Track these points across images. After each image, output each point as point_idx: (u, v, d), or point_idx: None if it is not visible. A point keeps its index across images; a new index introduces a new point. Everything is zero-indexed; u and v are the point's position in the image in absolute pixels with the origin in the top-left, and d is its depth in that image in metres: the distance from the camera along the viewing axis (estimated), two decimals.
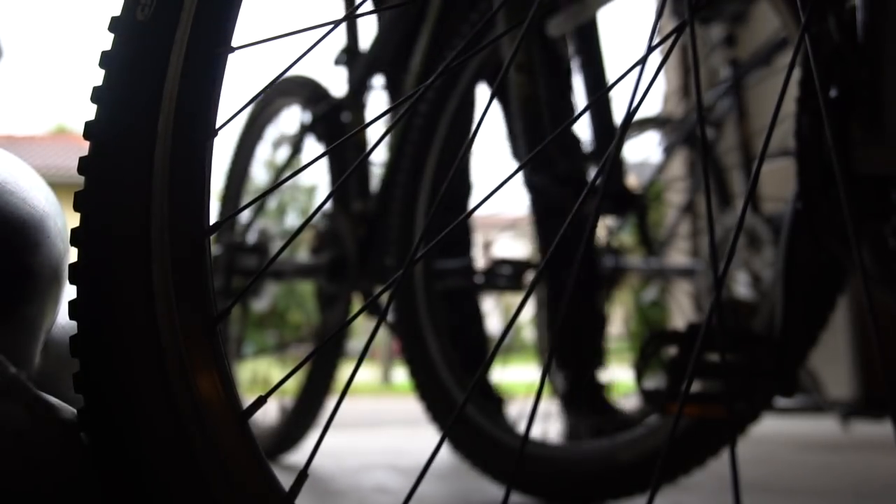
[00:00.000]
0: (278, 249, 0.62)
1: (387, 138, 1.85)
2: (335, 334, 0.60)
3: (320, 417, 2.11)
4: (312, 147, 2.19)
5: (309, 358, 0.57)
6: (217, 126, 0.59)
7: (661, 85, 3.90)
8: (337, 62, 2.04)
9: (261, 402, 0.55)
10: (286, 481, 0.55)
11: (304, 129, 2.15)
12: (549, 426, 1.73)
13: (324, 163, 2.18)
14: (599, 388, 1.72)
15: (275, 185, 0.67)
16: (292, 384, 2.15)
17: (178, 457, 0.53)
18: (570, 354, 1.78)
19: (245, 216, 2.30)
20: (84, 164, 0.57)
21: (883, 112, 0.92)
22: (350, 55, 2.02)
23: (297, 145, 2.18)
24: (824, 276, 1.13)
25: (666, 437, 1.29)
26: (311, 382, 2.09)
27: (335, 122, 2.06)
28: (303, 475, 0.54)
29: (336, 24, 0.59)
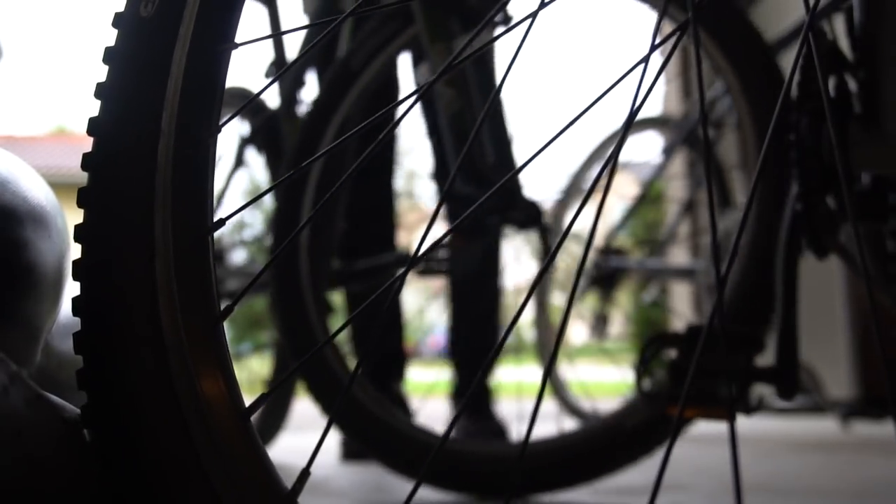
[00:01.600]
0: (279, 249, 0.62)
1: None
2: (335, 334, 0.60)
3: (288, 417, 2.16)
4: (254, 158, 2.29)
5: (310, 357, 0.57)
6: (220, 123, 0.59)
7: (661, 85, 3.91)
8: (267, 75, 2.09)
9: (263, 399, 0.55)
10: (288, 479, 0.55)
11: (245, 141, 2.22)
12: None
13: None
14: (487, 395, 1.93)
15: (274, 185, 0.67)
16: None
17: (180, 454, 0.53)
18: (467, 362, 1.99)
19: None
20: (87, 161, 0.57)
21: (881, 112, 0.93)
22: (279, 68, 2.06)
23: (239, 156, 2.26)
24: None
25: (669, 439, 1.29)
26: (276, 383, 2.12)
27: (274, 133, 2.11)
28: (305, 473, 0.54)
29: (337, 22, 0.59)
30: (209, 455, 0.53)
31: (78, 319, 0.56)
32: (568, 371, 2.98)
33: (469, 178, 1.45)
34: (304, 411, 4.40)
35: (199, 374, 0.54)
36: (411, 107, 0.59)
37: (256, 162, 2.55)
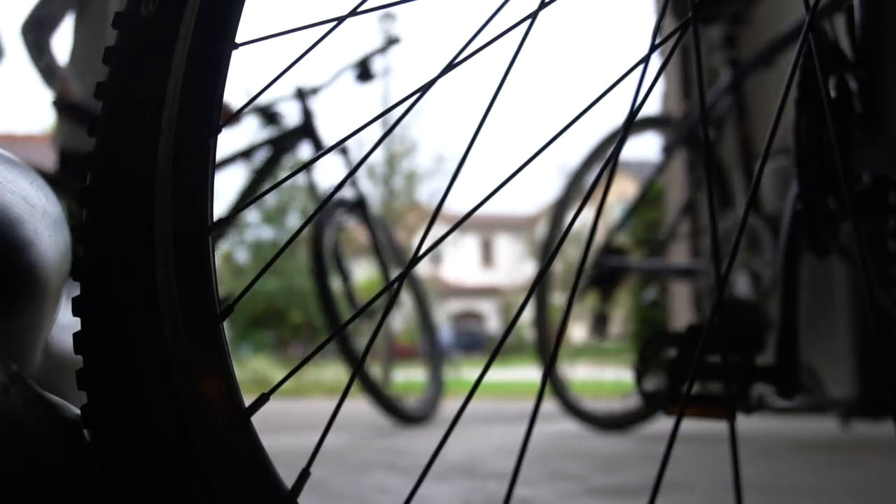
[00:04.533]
0: (279, 250, 0.63)
1: None
2: (337, 332, 0.61)
3: None
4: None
5: (310, 357, 0.57)
6: (220, 123, 0.59)
7: (660, 85, 3.91)
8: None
9: (263, 399, 0.55)
10: (288, 479, 0.55)
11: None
12: None
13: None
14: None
15: (274, 185, 0.67)
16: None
17: (180, 454, 0.53)
18: None
19: None
20: (88, 161, 0.57)
21: (881, 112, 0.92)
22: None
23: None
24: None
25: (670, 437, 1.29)
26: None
27: None
28: (305, 474, 0.54)
29: (338, 21, 0.59)
30: (209, 455, 0.53)
31: (78, 319, 0.56)
32: (568, 371, 2.98)
33: None
34: (304, 411, 4.42)
35: (199, 374, 0.54)
36: (414, 104, 0.59)
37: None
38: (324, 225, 2.94)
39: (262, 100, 3.07)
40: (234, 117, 2.99)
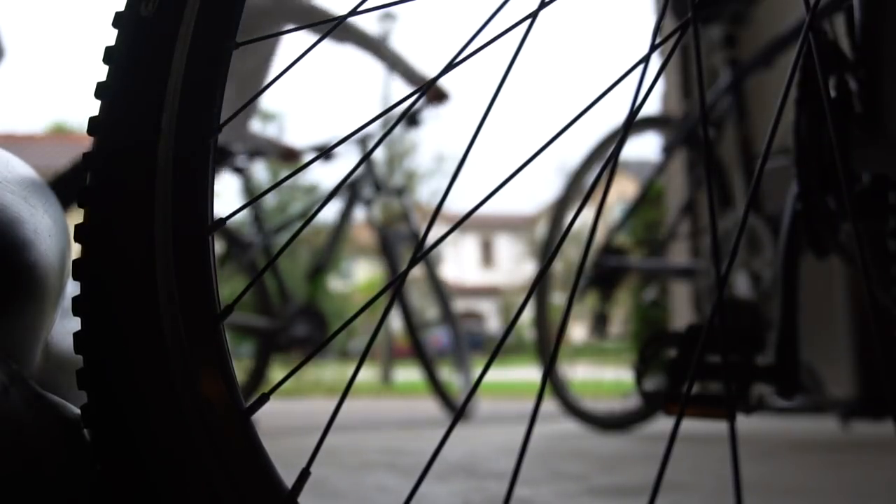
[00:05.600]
0: (279, 248, 0.63)
1: None
2: (338, 331, 0.61)
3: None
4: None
5: (310, 357, 0.57)
6: (220, 122, 0.59)
7: (660, 85, 3.91)
8: None
9: (263, 399, 0.55)
10: (288, 479, 0.55)
11: None
12: None
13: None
14: None
15: (274, 185, 0.67)
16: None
17: (180, 454, 0.53)
18: None
19: None
20: (88, 161, 0.57)
21: (881, 112, 0.92)
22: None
23: None
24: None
25: (669, 437, 1.29)
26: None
27: None
28: (305, 473, 0.54)
29: (338, 21, 0.59)
30: (209, 455, 0.53)
31: (78, 319, 0.56)
32: (568, 371, 2.98)
33: None
34: (305, 411, 4.42)
35: (199, 374, 0.54)
36: (414, 103, 0.59)
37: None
38: (397, 260, 3.37)
39: (321, 140, 3.45)
40: (291, 154, 3.28)
